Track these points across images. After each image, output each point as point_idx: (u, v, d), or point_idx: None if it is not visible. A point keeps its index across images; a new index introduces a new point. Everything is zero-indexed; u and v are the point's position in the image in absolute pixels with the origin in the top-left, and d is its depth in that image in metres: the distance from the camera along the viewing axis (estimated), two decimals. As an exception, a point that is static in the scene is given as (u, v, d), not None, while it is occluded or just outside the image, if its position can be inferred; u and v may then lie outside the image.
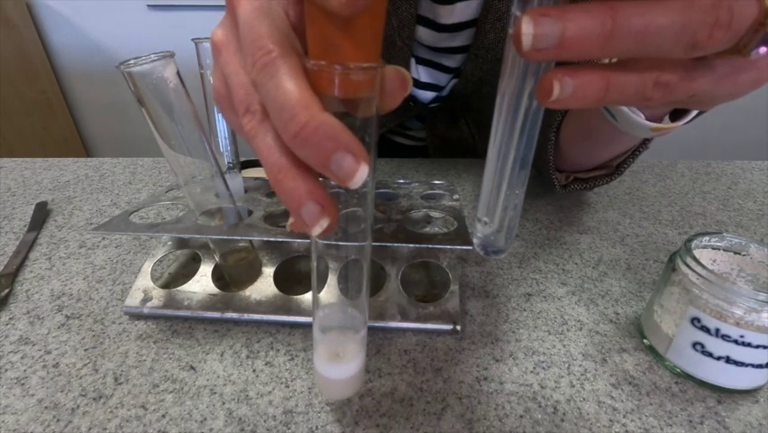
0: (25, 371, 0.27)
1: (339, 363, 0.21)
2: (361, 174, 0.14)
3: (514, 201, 0.19)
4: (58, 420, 0.24)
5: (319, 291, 0.20)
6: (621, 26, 0.13)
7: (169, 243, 0.35)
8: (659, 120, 0.30)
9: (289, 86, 0.14)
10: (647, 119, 0.29)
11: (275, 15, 0.16)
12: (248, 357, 0.28)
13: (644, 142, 0.37)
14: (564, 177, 0.43)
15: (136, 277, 0.33)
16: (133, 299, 0.31)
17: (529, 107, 0.16)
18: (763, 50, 0.14)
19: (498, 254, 0.21)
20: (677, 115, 0.31)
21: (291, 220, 0.16)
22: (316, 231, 0.15)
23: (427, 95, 0.56)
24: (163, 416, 0.25)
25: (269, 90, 0.15)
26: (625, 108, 0.30)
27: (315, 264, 0.19)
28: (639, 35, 0.13)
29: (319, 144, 0.14)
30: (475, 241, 0.21)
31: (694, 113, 0.29)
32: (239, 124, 0.17)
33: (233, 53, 0.17)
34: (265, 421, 0.24)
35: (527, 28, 0.13)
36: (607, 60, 0.16)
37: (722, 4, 0.13)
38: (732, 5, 0.13)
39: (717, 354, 0.25)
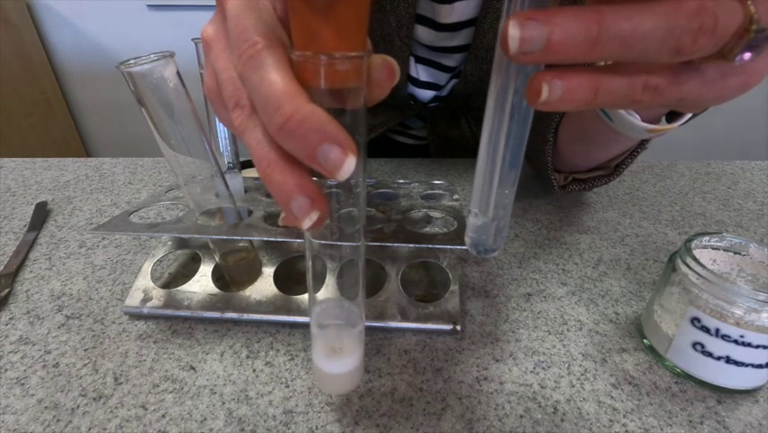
0: (25, 371, 0.27)
1: (337, 358, 0.21)
2: (348, 165, 0.14)
3: (504, 200, 0.19)
4: (58, 420, 0.24)
5: (316, 291, 0.20)
6: (607, 31, 0.13)
7: (169, 243, 0.35)
8: (655, 121, 0.30)
9: (274, 77, 0.14)
10: (643, 120, 0.30)
11: (262, 9, 0.16)
12: (248, 357, 0.28)
13: (642, 143, 0.37)
14: (563, 177, 0.43)
15: (136, 277, 0.33)
16: (133, 299, 0.31)
17: (517, 107, 0.16)
18: (747, 55, 0.14)
19: (489, 254, 0.21)
20: (673, 116, 0.31)
21: (283, 215, 0.16)
22: (306, 224, 0.15)
23: (427, 94, 0.56)
24: (163, 416, 0.25)
25: (254, 83, 0.15)
26: (620, 110, 0.30)
27: (309, 263, 0.19)
28: (625, 40, 0.13)
29: (305, 136, 0.14)
30: (467, 240, 0.21)
31: (690, 114, 0.29)
32: (229, 120, 0.17)
33: (223, 49, 0.17)
34: (265, 421, 0.24)
35: (514, 31, 0.13)
36: (603, 63, 0.16)
37: (707, 11, 0.13)
38: (717, 12, 0.13)
39: (717, 354, 0.25)
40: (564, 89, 0.14)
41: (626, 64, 0.15)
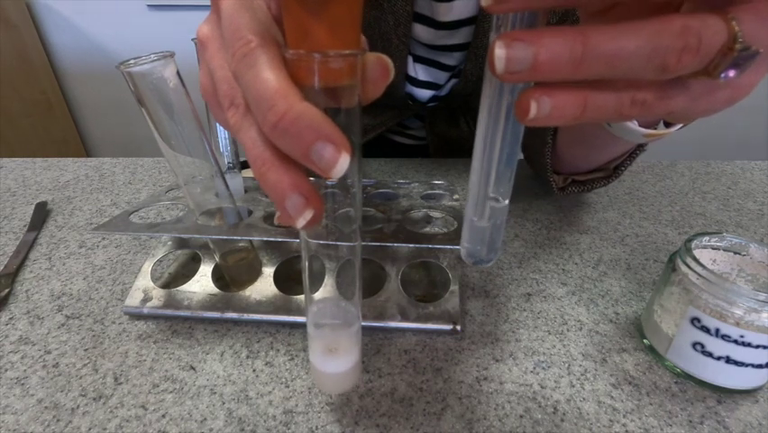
0: (25, 371, 0.27)
1: (334, 358, 0.21)
2: (342, 163, 0.14)
3: (498, 209, 0.19)
4: (58, 420, 0.24)
5: (314, 292, 0.20)
6: (592, 51, 0.13)
7: (169, 243, 0.35)
8: (652, 126, 0.30)
9: (268, 76, 0.14)
10: (640, 125, 0.30)
11: (256, 8, 0.16)
12: (248, 357, 0.28)
13: (641, 146, 0.37)
14: (562, 179, 0.43)
15: (136, 277, 0.33)
16: (133, 299, 0.31)
17: (511, 106, 0.16)
18: (732, 72, 0.14)
19: (483, 264, 0.21)
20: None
21: (278, 213, 0.16)
22: (301, 223, 0.15)
23: (425, 93, 0.56)
24: (163, 416, 0.25)
25: (247, 81, 0.15)
26: None
27: (306, 263, 0.19)
28: (609, 60, 0.13)
29: (299, 134, 0.14)
30: (462, 251, 0.21)
31: None
32: (224, 119, 0.17)
33: (218, 48, 0.17)
34: (265, 421, 0.24)
35: (500, 52, 0.13)
36: None
37: (691, 30, 0.13)
38: (701, 31, 0.13)
39: (717, 354, 0.25)
40: (552, 106, 0.14)
41: (613, 80, 0.15)
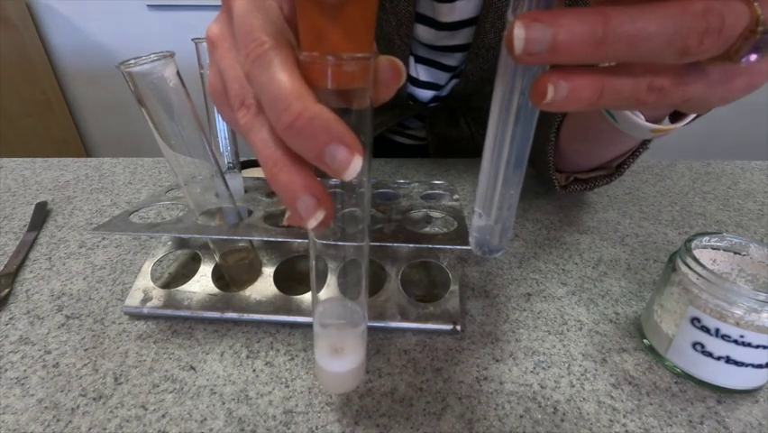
0: (25, 371, 0.27)
1: (339, 357, 0.21)
2: (355, 166, 0.14)
3: (508, 201, 0.19)
4: (58, 420, 0.24)
5: (319, 290, 0.20)
6: (612, 32, 0.13)
7: (169, 243, 0.35)
8: (659, 121, 0.30)
9: (282, 77, 0.14)
10: (647, 120, 0.30)
11: (269, 9, 0.16)
12: (248, 357, 0.28)
13: (644, 143, 0.37)
14: (564, 177, 0.43)
15: (136, 277, 0.33)
16: (133, 299, 0.31)
17: (523, 108, 0.16)
18: (753, 56, 0.14)
19: (494, 253, 0.21)
20: (677, 116, 0.31)
21: (288, 214, 0.16)
22: (312, 224, 0.15)
23: (426, 94, 0.56)
24: (163, 416, 0.25)
25: (262, 82, 0.15)
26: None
27: (313, 262, 0.19)
28: (630, 41, 0.13)
29: (313, 136, 0.14)
30: (471, 240, 0.21)
31: (694, 114, 0.29)
32: (234, 119, 0.17)
33: (229, 48, 0.17)
34: (265, 421, 0.24)
35: (519, 32, 0.13)
36: (606, 63, 0.16)
37: (713, 12, 0.13)
38: (723, 13, 0.13)
39: (717, 354, 0.25)
40: (570, 90, 0.14)
41: (631, 65, 0.15)
